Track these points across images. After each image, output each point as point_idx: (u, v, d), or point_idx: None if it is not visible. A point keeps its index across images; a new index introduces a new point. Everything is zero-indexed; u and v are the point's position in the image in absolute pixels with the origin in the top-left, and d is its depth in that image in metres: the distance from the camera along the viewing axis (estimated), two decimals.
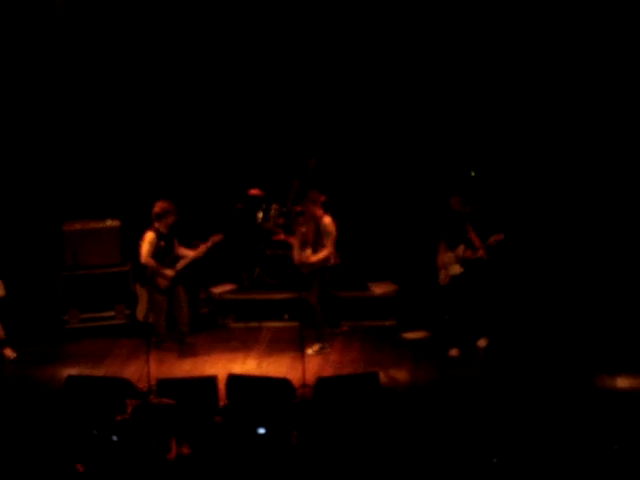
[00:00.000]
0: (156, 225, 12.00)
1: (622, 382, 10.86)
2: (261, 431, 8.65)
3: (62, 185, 14.02)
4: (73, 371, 11.44)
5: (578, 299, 12.62)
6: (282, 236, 13.42)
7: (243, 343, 12.57)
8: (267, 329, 13.04)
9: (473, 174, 13.69)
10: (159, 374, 11.10)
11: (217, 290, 13.46)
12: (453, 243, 11.68)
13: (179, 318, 12.25)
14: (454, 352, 11.84)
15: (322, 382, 10.46)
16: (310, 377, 10.81)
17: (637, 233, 13.11)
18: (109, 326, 13.01)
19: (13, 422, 9.26)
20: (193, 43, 13.90)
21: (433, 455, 8.33)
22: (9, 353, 12.19)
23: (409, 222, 13.80)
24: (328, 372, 11.39)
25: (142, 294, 12.76)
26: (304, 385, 10.71)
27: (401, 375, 11.32)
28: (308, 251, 11.99)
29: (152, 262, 11.98)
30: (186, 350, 12.18)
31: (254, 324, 13.17)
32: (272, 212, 13.64)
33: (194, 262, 12.37)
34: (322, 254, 11.91)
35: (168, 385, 10.49)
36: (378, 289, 13.22)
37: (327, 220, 11.96)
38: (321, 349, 12.06)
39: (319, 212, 12.00)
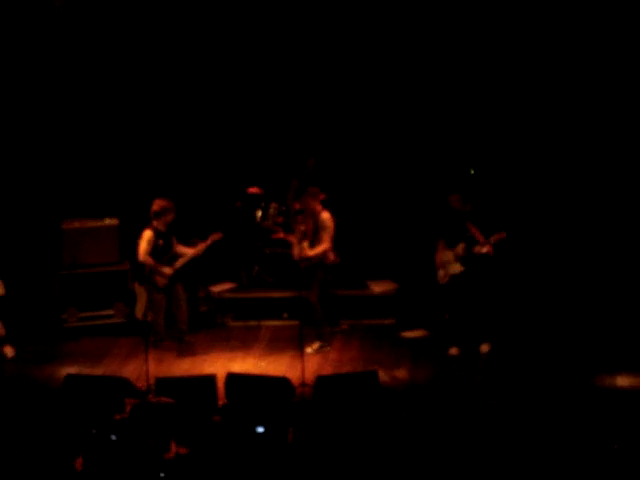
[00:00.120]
0: (154, 223, 11.98)
1: (622, 381, 10.85)
2: (260, 430, 8.63)
3: (61, 183, 14.01)
4: (72, 370, 11.41)
5: (578, 298, 12.60)
6: (281, 234, 13.41)
7: (242, 342, 12.55)
8: (266, 328, 13.03)
9: (472, 172, 13.67)
10: (158, 373, 11.09)
11: (216, 289, 13.45)
12: (452, 241, 11.64)
13: (178, 317, 12.23)
14: (454, 351, 11.82)
15: (321, 381, 10.45)
16: (309, 376, 10.80)
17: (637, 233, 13.08)
18: (108, 325, 13.00)
19: (12, 421, 9.24)
20: (193, 42, 13.89)
21: (433, 454, 8.31)
22: (8, 351, 12.17)
23: (409, 221, 13.79)
24: (327, 371, 11.38)
25: (141, 293, 12.74)
26: (303, 384, 10.70)
27: (400, 374, 11.30)
28: (305, 243, 11.98)
29: (150, 260, 11.96)
30: (185, 349, 12.16)
31: (253, 323, 13.15)
32: (271, 211, 13.64)
33: (193, 260, 12.36)
34: (319, 248, 11.89)
35: (167, 384, 10.47)
36: (377, 288, 13.20)
37: (325, 215, 11.96)
38: (320, 348, 12.05)
39: (318, 207, 12.00)
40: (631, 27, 12.97)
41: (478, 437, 8.76)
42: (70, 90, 13.91)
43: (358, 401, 10.02)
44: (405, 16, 13.60)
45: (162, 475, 7.63)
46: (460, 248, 11.56)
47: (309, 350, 11.86)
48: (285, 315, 13.15)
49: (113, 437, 8.01)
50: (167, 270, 12.04)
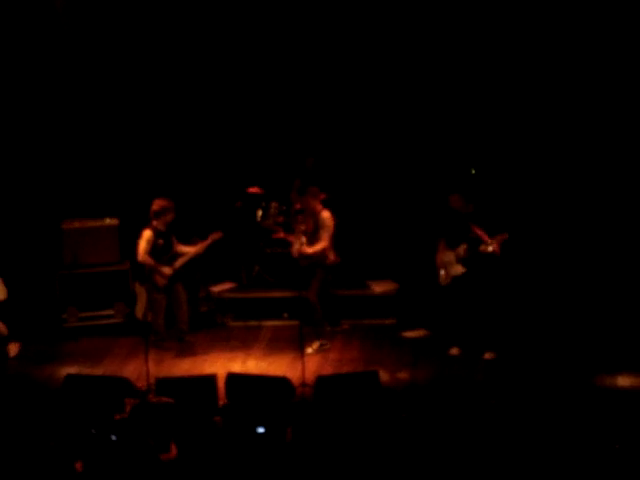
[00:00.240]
0: (154, 223, 11.97)
1: (622, 381, 10.84)
2: (260, 430, 8.62)
3: (61, 183, 14.00)
4: (72, 370, 11.40)
5: (578, 298, 12.58)
6: (282, 234, 13.40)
7: (242, 342, 12.54)
8: (266, 328, 13.02)
9: (474, 172, 13.66)
10: (158, 373, 11.07)
11: (216, 289, 13.44)
12: (453, 242, 11.60)
13: (179, 317, 12.22)
14: (454, 351, 11.80)
15: (322, 381, 10.43)
16: (310, 376, 10.78)
17: (637, 232, 13.07)
18: (108, 325, 13.00)
19: (12, 421, 9.23)
20: (192, 42, 13.88)
21: (433, 454, 8.30)
22: (12, 348, 12.18)
23: (409, 220, 13.77)
24: (328, 371, 11.36)
25: (141, 293, 12.73)
26: (304, 384, 10.68)
27: (401, 374, 11.28)
28: (303, 238, 11.96)
29: (149, 260, 11.95)
30: (185, 349, 12.15)
31: (253, 323, 13.14)
32: (272, 210, 13.63)
33: (193, 260, 12.35)
34: (318, 246, 11.87)
35: (167, 384, 10.45)
36: (378, 287, 13.19)
37: (326, 214, 11.96)
38: (321, 348, 12.04)
39: (318, 207, 11.99)
40: (631, 27, 12.95)
41: (478, 437, 8.75)
42: (70, 90, 13.91)
43: (358, 401, 10.01)
44: (405, 15, 13.59)
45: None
46: (461, 249, 11.51)
47: (309, 350, 11.85)
48: (285, 315, 13.14)
49: (113, 437, 8.00)
50: (167, 270, 12.03)
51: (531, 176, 13.51)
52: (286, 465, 8.06)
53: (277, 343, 12.41)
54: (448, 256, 11.64)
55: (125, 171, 14.09)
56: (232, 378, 10.47)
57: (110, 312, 13.05)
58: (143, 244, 11.94)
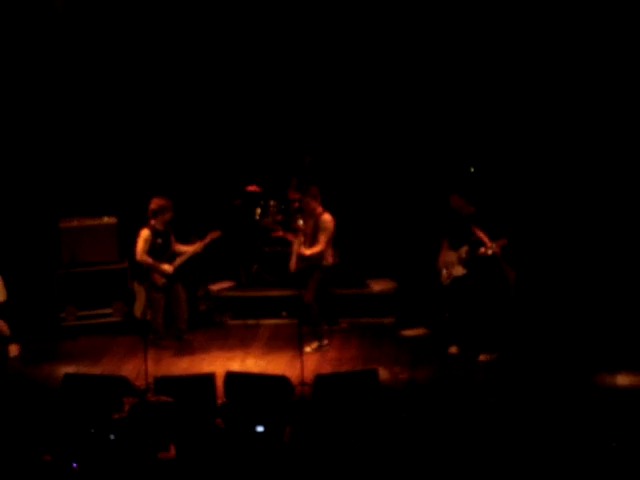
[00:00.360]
0: (152, 222, 11.96)
1: (622, 380, 10.82)
2: (259, 429, 8.61)
3: (59, 182, 13.98)
4: (70, 369, 11.38)
5: (578, 296, 12.57)
6: (280, 233, 13.37)
7: (241, 341, 12.52)
8: (265, 326, 13.00)
9: (472, 170, 13.63)
10: (157, 372, 11.05)
11: (215, 287, 13.43)
12: (456, 243, 11.58)
13: (178, 315, 12.20)
14: (454, 349, 11.79)
15: (320, 380, 10.41)
16: (308, 375, 10.77)
17: (637, 231, 13.06)
18: (106, 323, 12.98)
19: (10, 421, 9.21)
20: (191, 41, 13.86)
21: (432, 453, 8.29)
22: (13, 349, 12.16)
23: (408, 219, 13.76)
24: (326, 369, 11.35)
25: (140, 291, 12.71)
26: (302, 383, 10.66)
27: (400, 372, 11.26)
28: (301, 238, 11.96)
29: (148, 259, 11.93)
30: (184, 348, 12.14)
31: (252, 321, 13.13)
32: (270, 209, 13.60)
33: (192, 259, 12.33)
34: (316, 248, 11.85)
35: (166, 383, 10.43)
36: (377, 286, 13.18)
37: (326, 217, 11.93)
38: (319, 346, 12.02)
39: (319, 209, 11.96)
40: (631, 27, 12.93)
41: (478, 436, 8.73)
42: (68, 89, 13.88)
43: (357, 400, 9.99)
44: (404, 13, 13.57)
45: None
46: (463, 251, 11.50)
47: (308, 349, 11.83)
48: (284, 314, 13.12)
49: (112, 437, 7.99)
50: (167, 267, 12.00)
51: (530, 174, 13.49)
52: (285, 464, 8.04)
53: (276, 342, 12.40)
54: (450, 256, 11.61)
55: (123, 169, 14.07)
56: (231, 377, 10.45)
57: (108, 311, 13.03)
58: (141, 243, 11.92)
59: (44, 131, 13.93)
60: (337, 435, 8.72)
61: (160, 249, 12.00)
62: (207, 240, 12.13)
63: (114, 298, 13.02)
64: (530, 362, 11.28)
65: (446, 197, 11.74)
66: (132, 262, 12.51)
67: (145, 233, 11.93)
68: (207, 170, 14.27)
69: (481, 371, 11.26)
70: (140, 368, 11.02)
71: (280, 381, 10.40)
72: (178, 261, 12.10)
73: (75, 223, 13.13)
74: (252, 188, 13.82)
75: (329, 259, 11.97)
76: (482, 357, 11.54)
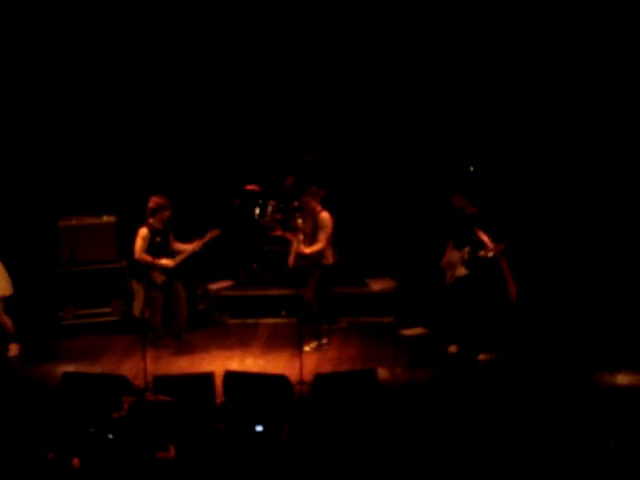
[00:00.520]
0: (150, 221, 11.94)
1: (621, 379, 10.81)
2: (259, 429, 8.59)
3: (58, 181, 13.97)
4: (69, 368, 11.37)
5: (577, 296, 12.56)
6: (279, 232, 13.36)
7: (240, 340, 12.51)
8: (264, 326, 12.99)
9: (472, 169, 13.62)
10: (156, 371, 11.05)
11: (214, 286, 13.41)
12: (459, 243, 11.56)
13: (177, 314, 12.19)
14: (453, 349, 11.78)
15: (320, 379, 10.40)
16: (308, 374, 10.76)
17: (637, 230, 13.04)
18: (105, 322, 12.96)
19: (9, 419, 9.19)
20: (190, 40, 13.84)
21: (431, 453, 8.28)
22: (13, 348, 12.15)
23: (408, 218, 13.75)
24: (326, 369, 11.34)
25: (138, 290, 12.70)
26: (302, 382, 10.66)
27: (399, 372, 11.25)
28: (301, 237, 11.94)
29: (146, 257, 11.92)
30: (183, 347, 12.12)
31: (251, 320, 13.11)
32: (269, 208, 13.59)
33: (191, 258, 12.31)
34: (316, 247, 11.84)
35: (165, 382, 10.43)
36: (377, 285, 13.16)
37: (324, 215, 11.92)
38: (319, 346, 12.00)
39: (318, 207, 11.95)
40: (631, 27, 12.92)
41: (477, 435, 8.72)
42: (68, 88, 13.87)
43: (357, 399, 9.97)
44: (403, 12, 13.55)
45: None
46: (465, 252, 11.48)
47: (307, 348, 11.81)
48: (283, 313, 13.11)
49: (110, 436, 7.97)
50: (167, 262, 11.97)
51: (529, 173, 13.48)
52: (284, 463, 8.02)
53: (275, 341, 12.38)
54: (455, 257, 11.59)
55: (123, 168, 14.06)
56: (230, 376, 10.44)
57: (107, 310, 13.02)
58: (139, 242, 11.91)
59: (43, 130, 13.92)
60: (336, 434, 8.70)
61: (159, 248, 11.99)
62: (206, 239, 12.12)
63: (113, 297, 13.01)
64: (529, 361, 11.26)
65: (445, 196, 11.73)
66: (131, 261, 12.50)
67: (143, 232, 11.92)
68: (206, 169, 14.26)
69: (480, 370, 11.25)
70: (139, 367, 11.02)
71: (279, 380, 10.39)
72: (177, 259, 12.08)
73: (74, 222, 13.12)
74: (251, 187, 13.80)
75: (329, 258, 11.96)
76: (481, 357, 11.53)
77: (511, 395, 10.31)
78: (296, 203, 13.06)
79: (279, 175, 13.84)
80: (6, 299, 12.08)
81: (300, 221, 12.37)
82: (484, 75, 13.53)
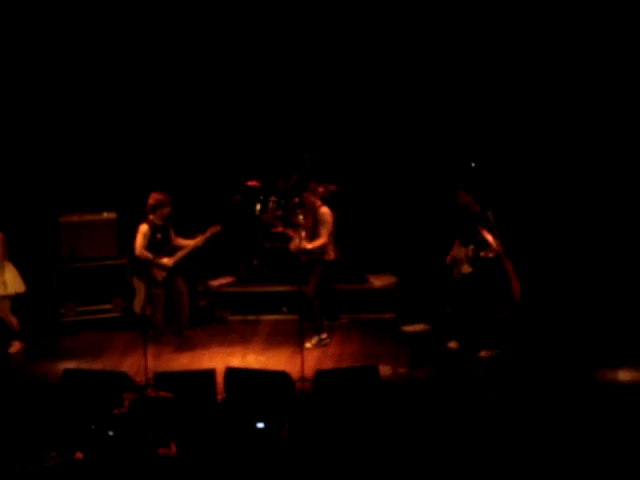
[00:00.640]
0: (151, 217, 11.93)
1: (623, 375, 10.80)
2: (260, 425, 8.58)
3: (59, 177, 13.96)
4: (70, 365, 11.36)
5: (579, 292, 12.55)
6: (280, 228, 13.35)
7: (241, 336, 12.50)
8: (265, 322, 12.98)
9: (473, 165, 13.60)
10: (156, 367, 11.03)
11: (215, 283, 13.40)
12: (465, 240, 11.54)
13: (179, 310, 12.17)
14: (453, 344, 11.78)
15: (321, 375, 10.39)
16: (309, 370, 10.75)
17: (638, 226, 13.03)
18: (106, 319, 12.95)
19: (10, 416, 9.18)
20: (190, 37, 13.83)
21: (433, 450, 8.27)
22: (15, 346, 12.14)
23: (409, 214, 13.74)
24: (327, 365, 11.33)
25: (139, 287, 12.67)
26: (303, 378, 10.65)
27: (401, 368, 11.24)
28: (303, 233, 11.93)
29: (147, 254, 11.90)
30: (184, 343, 12.11)
31: (252, 317, 13.10)
32: (270, 204, 13.58)
33: (192, 254, 12.31)
34: (317, 242, 11.83)
35: (165, 379, 10.41)
36: (378, 281, 13.15)
37: (324, 210, 11.91)
38: (319, 341, 12.00)
39: (317, 202, 11.95)
40: (631, 26, 12.91)
41: (479, 432, 8.71)
42: (68, 85, 13.86)
43: (358, 396, 9.96)
44: (403, 9, 13.53)
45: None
46: (470, 249, 11.47)
47: (308, 345, 11.81)
48: (284, 309, 13.10)
49: (110, 433, 7.96)
50: (167, 261, 11.97)
51: (530, 170, 13.47)
52: (285, 460, 8.02)
53: (276, 337, 12.38)
54: (461, 253, 11.58)
55: (123, 165, 14.05)
56: (231, 373, 10.43)
57: (108, 306, 13.01)
58: (140, 239, 11.90)
59: (44, 126, 13.91)
60: (338, 431, 8.69)
61: (160, 244, 11.98)
62: (207, 234, 12.10)
63: (114, 294, 13.00)
64: (531, 358, 11.25)
65: (446, 192, 11.72)
66: (131, 257, 12.49)
67: (144, 228, 11.91)
68: (207, 165, 14.25)
69: (482, 367, 11.24)
70: (140, 364, 11.01)
71: (280, 377, 10.37)
72: (179, 255, 12.07)
73: (75, 218, 13.11)
74: (252, 183, 13.80)
75: (331, 254, 11.95)
76: (483, 353, 11.52)
77: (513, 392, 10.29)
78: (297, 199, 13.06)
79: (279, 172, 13.83)
80: (15, 297, 12.10)
81: (301, 217, 12.39)
82: (485, 69, 13.51)
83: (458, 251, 11.61)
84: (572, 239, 13.16)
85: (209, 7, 13.74)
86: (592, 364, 11.05)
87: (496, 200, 12.13)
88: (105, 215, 13.16)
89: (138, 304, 12.78)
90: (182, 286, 12.17)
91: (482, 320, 11.52)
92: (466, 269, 11.53)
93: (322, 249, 11.86)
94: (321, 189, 12.30)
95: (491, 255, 11.25)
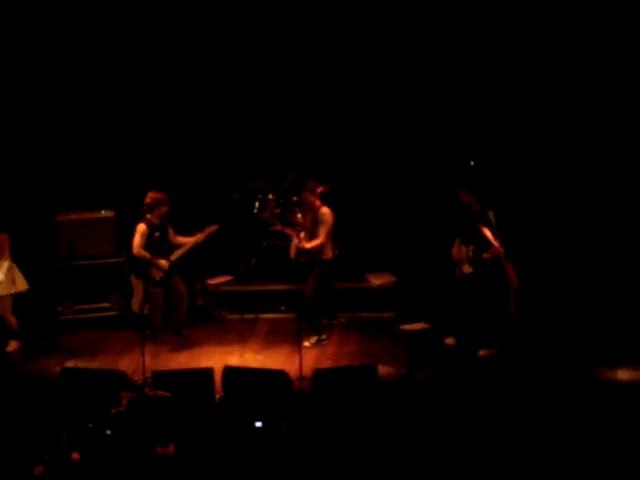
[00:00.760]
0: (148, 216, 11.92)
1: (622, 374, 10.79)
2: (258, 424, 8.56)
3: (56, 175, 13.94)
4: (68, 363, 11.37)
5: (579, 291, 12.54)
6: (279, 227, 13.33)
7: (239, 335, 12.49)
8: (264, 321, 12.97)
9: (472, 163, 13.58)
10: (154, 366, 11.02)
11: (213, 281, 13.39)
12: (465, 240, 11.53)
13: (179, 308, 12.16)
14: (450, 341, 11.78)
15: (319, 374, 10.38)
16: (307, 369, 10.74)
17: (638, 225, 13.02)
18: (104, 317, 12.94)
19: (7, 415, 9.17)
20: (188, 36, 13.80)
21: (432, 449, 8.25)
22: (12, 345, 12.12)
23: (408, 213, 13.72)
24: (325, 364, 11.31)
25: (137, 285, 12.67)
26: (301, 377, 10.64)
27: (399, 367, 11.22)
28: (302, 234, 11.91)
29: (144, 254, 11.89)
30: (182, 342, 12.10)
31: (250, 316, 13.08)
32: (268, 202, 13.56)
33: (190, 253, 12.29)
34: (316, 242, 11.81)
35: (163, 377, 10.40)
36: (376, 280, 13.14)
37: (324, 210, 11.90)
38: (318, 341, 11.98)
39: (317, 202, 11.94)
40: (631, 26, 12.90)
41: (478, 431, 8.70)
42: (66, 84, 13.84)
43: (357, 395, 9.95)
44: (404, 8, 13.52)
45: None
46: (470, 249, 11.45)
47: (307, 344, 11.79)
48: (283, 308, 13.09)
49: (108, 432, 7.95)
50: (163, 263, 11.96)
51: (530, 169, 13.46)
52: (283, 459, 8.00)
53: (274, 336, 12.36)
54: (462, 253, 11.56)
55: (122, 163, 14.03)
56: (229, 371, 10.41)
57: (106, 305, 13.00)
58: (137, 238, 11.88)
59: (42, 125, 13.89)
60: (336, 430, 8.68)
61: (159, 242, 11.97)
62: (205, 233, 12.09)
63: (112, 292, 12.99)
64: (530, 357, 11.24)
65: (445, 191, 11.71)
66: (129, 256, 12.47)
67: (141, 227, 11.89)
68: (205, 164, 14.23)
69: (481, 366, 11.22)
70: (138, 362, 10.99)
71: (279, 376, 10.36)
72: (179, 252, 12.06)
73: (73, 216, 13.11)
74: (244, 180, 13.77)
75: (329, 253, 11.93)
76: (482, 352, 11.51)
77: (512, 391, 10.29)
78: (295, 198, 13.04)
79: (278, 170, 13.82)
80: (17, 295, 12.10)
81: (299, 216, 12.37)
82: (484, 69, 13.50)
83: (460, 250, 11.60)
84: (572, 239, 13.14)
85: (208, 7, 13.71)
86: (591, 363, 11.03)
87: (496, 199, 12.14)
88: (103, 213, 13.16)
89: (136, 303, 12.77)
90: (181, 285, 12.16)
91: (481, 319, 11.50)
92: (467, 269, 11.52)
93: (320, 248, 11.84)
94: (320, 188, 12.27)
95: (488, 257, 11.23)
